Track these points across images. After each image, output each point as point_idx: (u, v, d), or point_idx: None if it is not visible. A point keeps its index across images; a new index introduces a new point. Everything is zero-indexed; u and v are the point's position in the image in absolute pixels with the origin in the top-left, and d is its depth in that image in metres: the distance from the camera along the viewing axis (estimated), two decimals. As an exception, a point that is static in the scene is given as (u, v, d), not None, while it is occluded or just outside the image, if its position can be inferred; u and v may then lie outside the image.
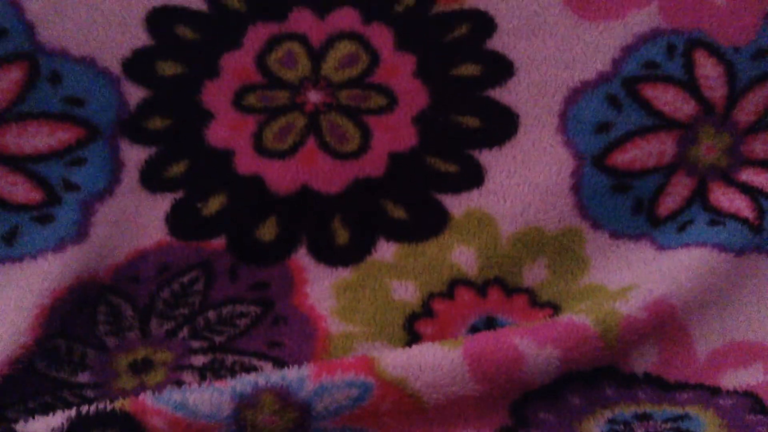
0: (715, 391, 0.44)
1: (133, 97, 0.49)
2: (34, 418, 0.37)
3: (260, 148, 0.50)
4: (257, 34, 0.49)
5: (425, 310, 0.49)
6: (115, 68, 0.48)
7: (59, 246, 0.47)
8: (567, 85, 0.50)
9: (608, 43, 0.50)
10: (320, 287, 0.49)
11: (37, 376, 0.44)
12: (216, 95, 0.49)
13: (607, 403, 0.43)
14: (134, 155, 0.49)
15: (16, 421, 0.37)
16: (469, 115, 0.50)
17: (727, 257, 0.48)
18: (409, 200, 0.50)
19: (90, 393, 0.44)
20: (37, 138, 0.48)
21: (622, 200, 0.50)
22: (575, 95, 0.50)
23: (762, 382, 0.44)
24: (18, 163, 0.48)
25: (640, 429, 0.41)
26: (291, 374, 0.39)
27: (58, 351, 0.45)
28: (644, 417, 0.42)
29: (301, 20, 0.49)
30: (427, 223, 0.50)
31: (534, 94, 0.50)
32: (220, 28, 0.49)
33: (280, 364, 0.45)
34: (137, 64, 0.48)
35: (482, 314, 0.49)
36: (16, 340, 0.43)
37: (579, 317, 0.44)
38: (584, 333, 0.43)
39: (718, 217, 0.50)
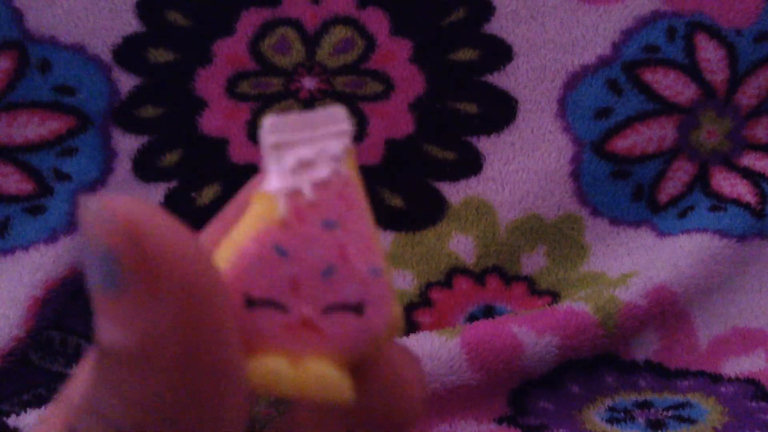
0: (717, 379, 0.44)
1: (125, 85, 0.48)
2: (27, 411, 0.37)
3: (255, 137, 0.49)
4: (250, 20, 0.48)
5: (423, 300, 0.48)
6: (106, 56, 0.47)
7: (51, 237, 0.46)
8: (566, 69, 0.49)
9: (608, 26, 0.49)
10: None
11: (31, 368, 0.44)
12: (209, 83, 0.48)
13: (607, 391, 0.43)
14: (127, 144, 0.48)
15: (9, 414, 0.37)
16: (466, 101, 0.49)
17: (729, 243, 0.48)
18: (407, 188, 0.50)
19: (85, 385, 0.43)
20: (28, 128, 0.47)
21: (622, 186, 0.50)
22: (575, 80, 0.49)
23: (764, 369, 0.44)
24: (8, 154, 0.47)
25: (640, 417, 0.41)
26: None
27: (53, 343, 0.45)
28: (645, 405, 0.42)
29: (295, 5, 0.48)
30: (424, 212, 0.50)
31: (533, 78, 0.49)
32: (212, 14, 0.48)
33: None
34: (128, 52, 0.48)
35: (480, 303, 0.48)
36: (9, 332, 0.42)
37: (578, 305, 0.44)
38: (584, 320, 0.43)
39: (720, 202, 0.50)
